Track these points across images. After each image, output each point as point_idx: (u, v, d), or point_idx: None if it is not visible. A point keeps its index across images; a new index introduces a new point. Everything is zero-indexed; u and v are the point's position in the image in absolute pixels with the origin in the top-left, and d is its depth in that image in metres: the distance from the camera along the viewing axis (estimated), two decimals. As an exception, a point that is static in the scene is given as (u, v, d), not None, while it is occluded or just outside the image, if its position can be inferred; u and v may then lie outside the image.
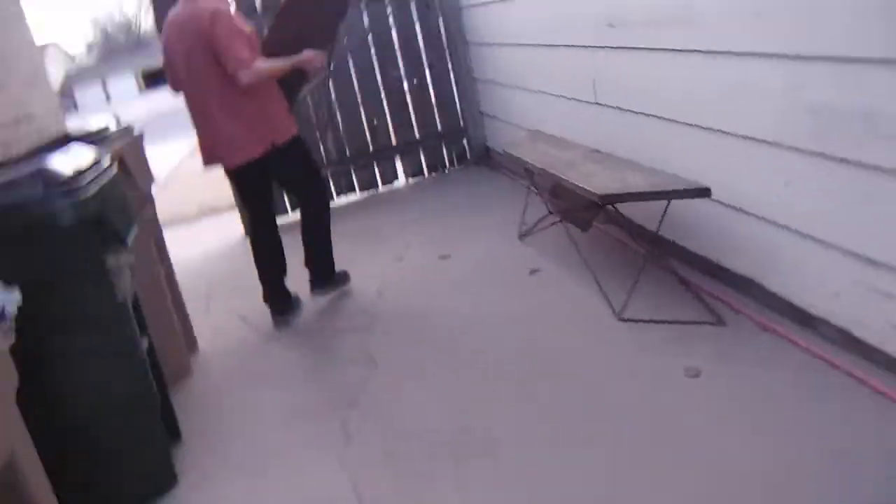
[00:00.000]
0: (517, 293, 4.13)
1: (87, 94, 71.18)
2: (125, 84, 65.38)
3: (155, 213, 4.28)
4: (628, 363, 3.25)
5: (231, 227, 6.76)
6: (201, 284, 5.50)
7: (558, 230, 4.55)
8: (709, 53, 3.29)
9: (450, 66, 6.94)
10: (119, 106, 45.12)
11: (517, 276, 4.32)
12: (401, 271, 4.86)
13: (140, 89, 57.03)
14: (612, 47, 4.04)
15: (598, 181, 3.52)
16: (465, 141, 7.15)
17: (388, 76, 6.79)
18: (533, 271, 4.33)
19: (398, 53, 6.81)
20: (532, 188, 4.71)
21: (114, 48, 72.17)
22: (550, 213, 4.99)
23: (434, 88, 6.95)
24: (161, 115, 22.70)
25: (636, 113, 3.97)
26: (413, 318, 4.13)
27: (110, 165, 3.19)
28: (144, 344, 3.27)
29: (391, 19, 6.73)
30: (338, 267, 4.59)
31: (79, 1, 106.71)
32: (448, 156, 7.14)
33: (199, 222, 7.97)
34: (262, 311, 4.56)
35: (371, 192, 6.98)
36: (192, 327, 4.47)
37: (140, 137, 4.20)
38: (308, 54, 3.95)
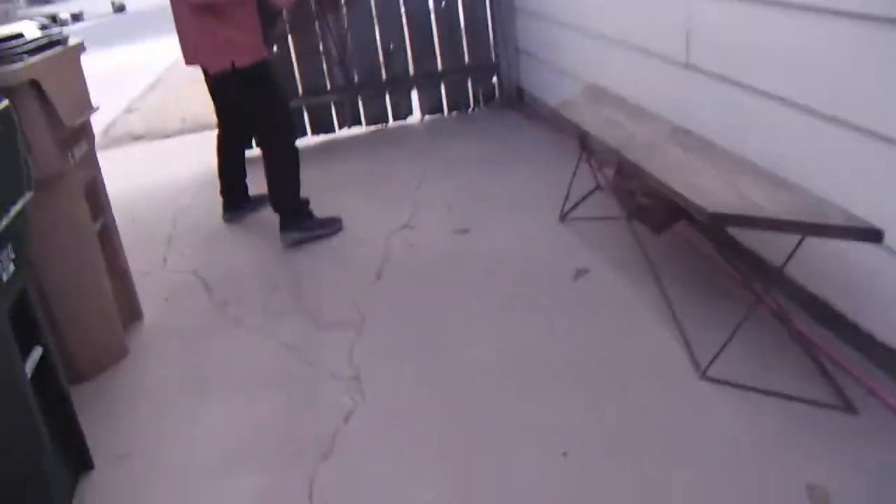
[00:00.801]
0: (556, 308, 3.13)
1: (96, -25, 69.43)
2: (136, -32, 63.82)
3: (90, 153, 3.26)
4: (712, 455, 2.27)
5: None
6: (164, 224, 4.65)
7: (613, 213, 3.54)
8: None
9: (487, -9, 5.81)
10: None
11: (557, 279, 3.33)
12: (407, 246, 3.86)
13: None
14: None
15: (703, 186, 2.48)
16: (495, 78, 6.08)
17: (410, -6, 5.69)
18: (579, 273, 3.33)
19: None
20: (584, 155, 3.68)
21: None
22: (600, 187, 3.98)
23: (465, 13, 5.83)
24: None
25: (751, 89, 2.90)
26: (416, 329, 3.13)
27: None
28: (35, 356, 2.29)
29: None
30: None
31: None
32: (473, 93, 6.09)
33: (179, 138, 6.96)
34: (231, 272, 3.83)
35: (379, 126, 5.93)
36: (135, 293, 3.57)
37: (74, 49, 3.16)
38: None
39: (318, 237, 4.08)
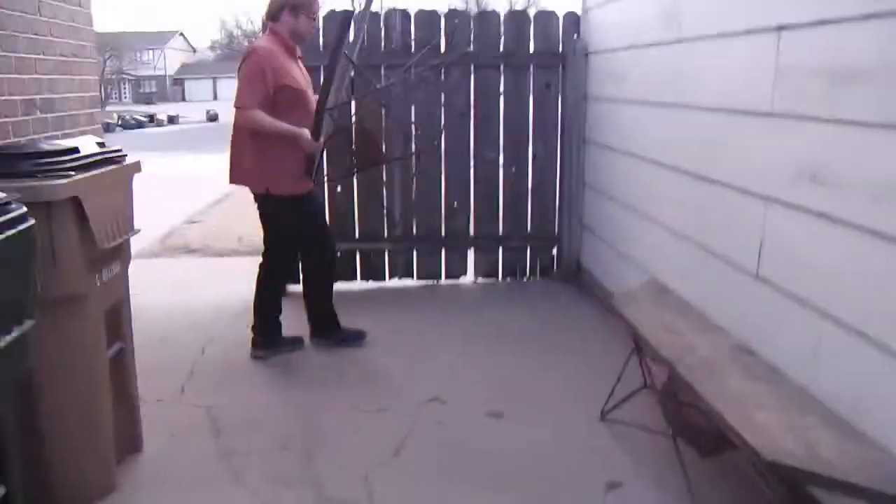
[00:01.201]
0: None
1: (198, 88, 73.20)
2: (235, 86, 66.83)
3: (121, 275, 3.13)
4: None
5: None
6: (192, 350, 4.51)
7: (659, 419, 3.25)
8: None
9: (559, 161, 5.75)
10: (223, 104, 45.78)
11: (587, 490, 3.02)
12: (434, 422, 3.59)
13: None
14: (803, 209, 2.76)
15: (762, 424, 2.21)
16: (555, 250, 5.91)
17: (482, 156, 5.63)
18: (611, 486, 3.02)
19: (500, 133, 5.66)
20: (636, 353, 3.42)
21: (234, 52, 74.18)
22: (647, 386, 3.70)
23: (533, 182, 5.75)
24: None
25: (825, 315, 2.65)
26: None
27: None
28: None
29: (501, 90, 5.59)
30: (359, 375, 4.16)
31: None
32: (531, 263, 5.93)
33: (233, 259, 6.90)
34: (246, 417, 3.65)
35: (431, 282, 5.77)
36: (139, 425, 3.36)
37: (127, 168, 3.08)
38: (303, 134, 4.00)
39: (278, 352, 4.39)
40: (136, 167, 3.19)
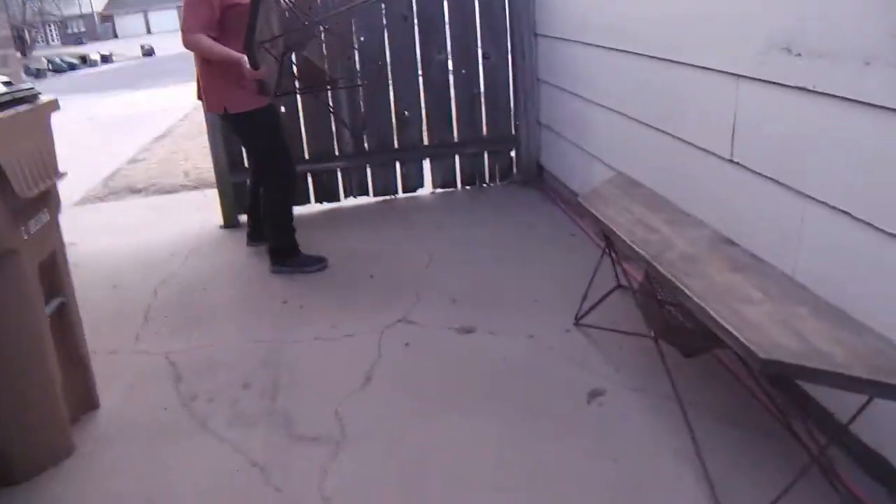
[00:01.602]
0: (566, 438, 2.67)
1: (129, 23, 70.68)
2: (168, 17, 65.11)
3: (51, 224, 2.87)
4: None
5: (216, 212, 5.39)
6: (144, 294, 4.28)
7: (636, 320, 3.11)
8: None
9: (510, 59, 5.47)
10: (158, 38, 44.31)
11: (568, 400, 2.89)
12: (403, 344, 3.43)
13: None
14: (778, 84, 2.56)
15: (753, 320, 2.05)
16: (513, 153, 5.69)
17: (430, 60, 5.34)
18: (593, 395, 2.89)
19: (447, 34, 5.34)
20: (608, 253, 3.26)
21: (162, -20, 71.51)
22: (622, 286, 3.56)
23: (486, 83, 5.48)
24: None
25: (804, 196, 2.48)
26: (402, 454, 2.66)
27: None
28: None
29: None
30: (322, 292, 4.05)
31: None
32: (490, 168, 5.71)
33: (181, 195, 6.62)
34: (207, 359, 3.46)
35: (388, 198, 5.54)
36: (92, 381, 3.13)
37: (42, 108, 2.79)
38: (243, 63, 3.71)
39: (303, 272, 4.33)
40: (53, 105, 2.88)
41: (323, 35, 4.93)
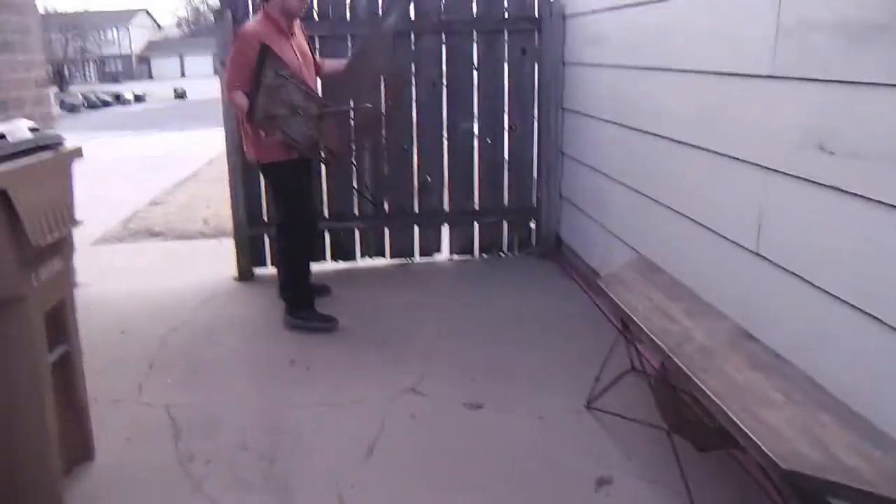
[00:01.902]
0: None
1: (165, 65, 72.06)
2: (203, 62, 66.39)
3: (63, 272, 2.84)
4: None
5: (232, 263, 5.36)
6: (152, 343, 4.24)
7: (650, 406, 3.02)
8: None
9: (536, 131, 5.46)
10: (191, 81, 45.10)
11: (576, 487, 2.80)
12: (409, 416, 3.35)
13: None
14: (808, 181, 2.52)
15: (773, 425, 1.97)
16: (533, 224, 5.65)
17: (455, 128, 5.33)
18: (601, 483, 2.80)
19: (475, 102, 5.35)
20: (625, 336, 3.19)
21: (201, 28, 72.98)
22: (635, 369, 3.47)
23: (510, 153, 5.47)
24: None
25: (828, 295, 2.42)
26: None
27: None
28: None
29: (475, 58, 5.28)
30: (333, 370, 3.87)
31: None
32: (509, 237, 5.66)
33: (198, 242, 6.60)
34: (208, 416, 3.38)
35: (404, 260, 5.50)
36: (89, 431, 3.07)
37: (65, 156, 2.78)
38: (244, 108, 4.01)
39: (313, 329, 4.31)
40: (77, 153, 2.87)
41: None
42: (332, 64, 4.57)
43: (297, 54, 4.18)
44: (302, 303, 4.41)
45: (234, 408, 3.46)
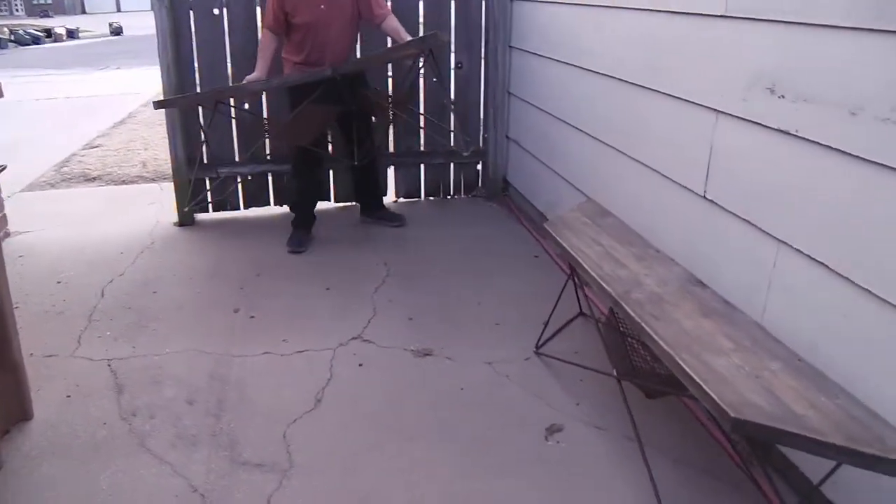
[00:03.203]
0: (521, 476, 2.57)
1: (98, -2, 69.41)
2: (139, -7, 64.19)
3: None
4: None
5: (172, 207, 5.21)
6: (91, 293, 4.11)
7: (599, 351, 3.02)
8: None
9: (482, 70, 5.35)
10: (128, 17, 43.52)
11: (525, 434, 2.79)
12: (356, 365, 3.30)
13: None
14: (757, 124, 2.49)
15: (723, 373, 1.97)
16: (480, 166, 5.58)
17: (398, 64, 5.18)
18: (551, 431, 2.80)
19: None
20: (574, 281, 3.17)
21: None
22: (583, 313, 3.48)
23: (456, 93, 5.35)
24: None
25: (781, 242, 2.41)
26: (351, 488, 2.55)
27: None
28: None
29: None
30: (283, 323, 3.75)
31: None
32: (455, 180, 5.58)
33: (136, 186, 6.41)
34: (152, 369, 3.31)
35: (349, 204, 5.40)
36: (26, 389, 2.96)
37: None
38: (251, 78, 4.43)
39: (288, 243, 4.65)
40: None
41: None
42: (396, 29, 4.49)
43: (323, 5, 4.28)
44: (294, 222, 4.78)
45: (178, 360, 3.37)
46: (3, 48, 29.31)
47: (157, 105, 4.47)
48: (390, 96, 4.97)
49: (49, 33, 34.50)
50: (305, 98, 4.31)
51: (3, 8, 60.28)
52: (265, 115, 5.05)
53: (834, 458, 1.74)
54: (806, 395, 1.90)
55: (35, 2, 65.96)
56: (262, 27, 4.50)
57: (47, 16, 58.85)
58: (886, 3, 1.93)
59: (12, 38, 31.62)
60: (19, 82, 14.81)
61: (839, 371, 2.08)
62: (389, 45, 4.70)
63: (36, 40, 32.57)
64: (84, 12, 67.78)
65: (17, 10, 64.43)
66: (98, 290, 4.09)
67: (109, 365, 3.34)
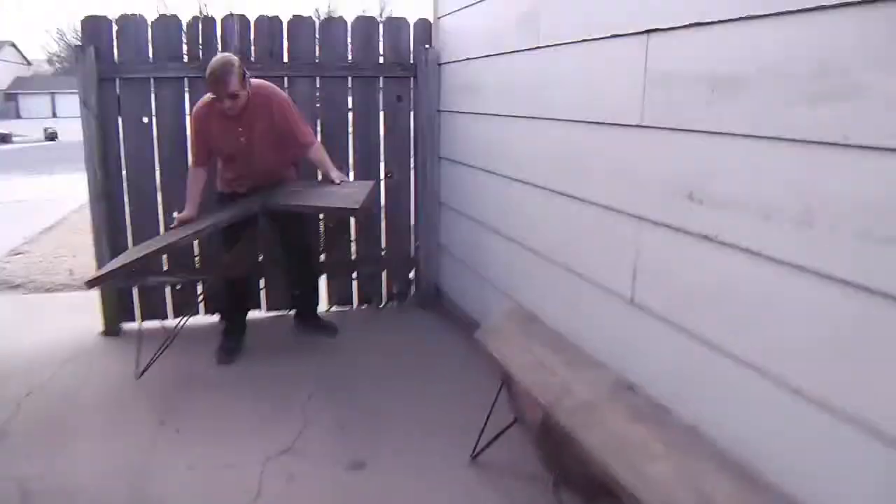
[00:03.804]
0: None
1: (34, 104, 68.95)
2: (75, 101, 63.60)
3: None
4: None
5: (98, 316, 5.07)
6: (3, 408, 3.92)
7: (534, 458, 2.96)
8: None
9: (413, 180, 5.42)
10: (64, 122, 43.21)
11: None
12: (283, 479, 3.19)
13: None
14: (679, 230, 2.54)
15: (656, 479, 1.94)
16: (412, 274, 5.59)
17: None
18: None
19: (350, 150, 5.25)
20: (507, 389, 3.14)
21: (74, 66, 70.18)
22: (518, 420, 3.43)
23: (388, 203, 5.40)
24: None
25: (710, 345, 2.43)
26: None
27: None
28: None
29: (349, 102, 5.24)
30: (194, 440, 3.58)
31: (49, 8, 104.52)
32: (388, 288, 5.57)
33: (62, 294, 6.24)
34: (65, 490, 3.10)
35: (280, 313, 5.32)
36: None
37: None
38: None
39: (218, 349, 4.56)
40: None
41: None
42: (321, 161, 4.51)
43: (243, 137, 4.26)
44: (225, 328, 4.73)
45: (97, 477, 3.21)
46: (-66, 152, 28.81)
47: (90, 284, 4.12)
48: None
49: (-19, 136, 34.00)
50: (238, 230, 4.28)
51: (-65, 112, 59.56)
52: (196, 254, 5.01)
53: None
54: (738, 496, 1.88)
55: (-31, 107, 65.35)
56: (191, 165, 4.43)
57: (-23, 121, 58.18)
58: (792, 117, 2.02)
59: (-55, 141, 31.11)
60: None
61: (772, 467, 2.08)
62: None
63: None
64: (19, 117, 67.26)
65: (-52, 114, 63.69)
66: (14, 404, 3.91)
67: (20, 485, 3.15)
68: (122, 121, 4.84)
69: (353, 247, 5.39)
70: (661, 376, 2.65)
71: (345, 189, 4.27)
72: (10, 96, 71.03)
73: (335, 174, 4.42)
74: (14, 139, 36.15)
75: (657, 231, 2.68)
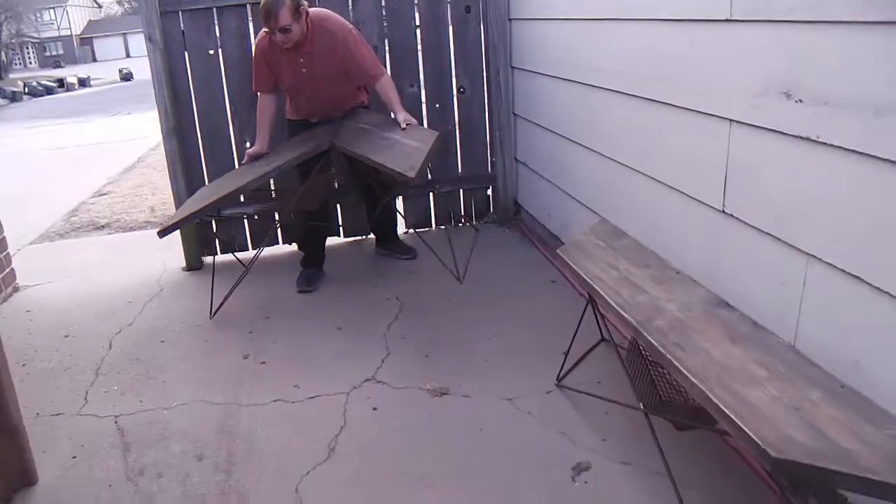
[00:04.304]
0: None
1: (108, 46, 70.14)
2: (148, 41, 64.20)
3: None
4: None
5: (176, 254, 5.15)
6: (98, 346, 4.00)
7: (624, 380, 2.86)
8: None
9: (486, 93, 5.23)
10: (137, 62, 43.86)
11: (551, 475, 2.63)
12: (370, 409, 3.16)
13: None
14: (775, 132, 2.34)
15: (759, 406, 1.81)
16: (489, 191, 5.44)
17: (402, 93, 5.06)
18: (578, 470, 2.63)
19: (420, 64, 5.10)
20: (593, 307, 3.03)
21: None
22: (605, 339, 3.33)
23: (461, 118, 5.23)
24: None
25: (809, 256, 2.25)
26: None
27: None
28: None
29: (416, 16, 5.04)
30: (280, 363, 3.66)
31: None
32: (465, 207, 5.44)
33: (144, 232, 6.32)
34: (160, 424, 3.17)
35: (359, 238, 5.28)
36: (27, 453, 2.83)
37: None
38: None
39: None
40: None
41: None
42: (385, 93, 4.37)
43: (305, 69, 4.17)
44: (302, 261, 4.70)
45: (187, 413, 3.25)
46: (17, 100, 29.66)
47: (161, 233, 4.06)
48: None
49: (61, 83, 34.89)
50: (311, 163, 4.20)
51: (16, 62, 61.11)
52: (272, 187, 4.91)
53: (891, 498, 1.58)
54: (851, 426, 1.74)
55: (47, 54, 66.85)
56: (257, 91, 4.41)
57: (59, 66, 59.56)
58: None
59: (26, 90, 32.02)
60: (32, 133, 14.93)
61: (885, 393, 1.92)
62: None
63: (49, 91, 32.95)
64: (95, 60, 68.55)
65: (30, 63, 65.34)
66: (106, 342, 3.99)
67: (116, 422, 3.22)
68: (188, 54, 4.77)
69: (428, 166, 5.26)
70: (758, 293, 2.48)
71: (408, 139, 4.08)
72: (85, 41, 72.42)
73: (402, 116, 4.26)
74: (92, 82, 36.92)
75: (750, 134, 2.47)
